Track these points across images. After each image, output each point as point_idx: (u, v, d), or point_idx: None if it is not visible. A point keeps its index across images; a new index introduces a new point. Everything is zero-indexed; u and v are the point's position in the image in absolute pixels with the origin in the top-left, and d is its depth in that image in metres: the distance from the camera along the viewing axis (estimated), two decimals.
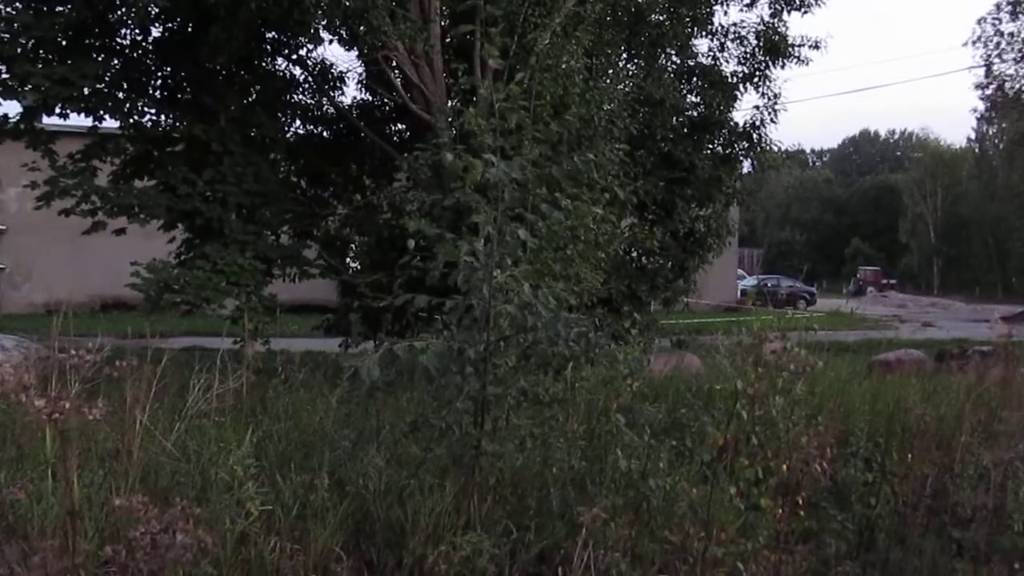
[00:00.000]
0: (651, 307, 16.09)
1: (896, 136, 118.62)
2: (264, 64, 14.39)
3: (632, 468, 4.98)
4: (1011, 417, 6.31)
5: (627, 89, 14.15)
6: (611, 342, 6.25)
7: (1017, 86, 50.27)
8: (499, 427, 5.36)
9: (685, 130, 15.77)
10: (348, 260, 15.24)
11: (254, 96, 14.31)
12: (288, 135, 15.13)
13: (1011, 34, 49.20)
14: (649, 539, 4.80)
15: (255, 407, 6.87)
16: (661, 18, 15.77)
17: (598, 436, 5.60)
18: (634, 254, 15.25)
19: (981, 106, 56.59)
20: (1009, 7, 48.87)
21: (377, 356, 5.00)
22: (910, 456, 6.10)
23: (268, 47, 14.21)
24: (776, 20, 16.21)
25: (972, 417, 6.78)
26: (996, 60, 50.12)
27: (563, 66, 11.71)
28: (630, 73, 15.34)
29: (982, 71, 51.06)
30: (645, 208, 14.73)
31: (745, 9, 16.56)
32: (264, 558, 4.40)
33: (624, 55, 15.66)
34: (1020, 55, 49.44)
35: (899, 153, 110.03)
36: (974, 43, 50.97)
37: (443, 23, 13.12)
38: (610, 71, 14.23)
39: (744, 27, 16.29)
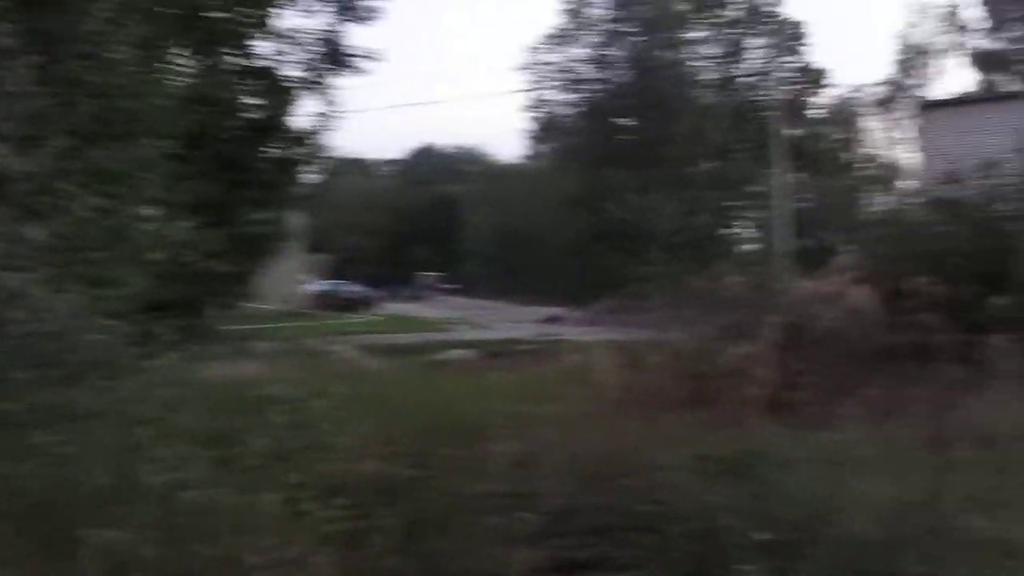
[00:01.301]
0: (211, 312, 15.52)
1: (458, 150, 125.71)
2: None
3: (165, 482, 4.69)
4: (539, 409, 6.81)
5: (182, 85, 13.56)
6: (161, 349, 5.89)
7: (561, 111, 55.66)
8: (15, 447, 4.82)
9: (245, 132, 15.45)
10: None
11: None
12: None
13: (555, 64, 54.40)
14: (183, 555, 4.54)
15: None
16: (221, 15, 15.31)
17: (130, 450, 5.22)
18: (190, 257, 14.61)
19: (531, 126, 61.89)
20: (555, 40, 54.01)
21: None
22: (454, 449, 6.36)
23: None
24: (337, 29, 16.41)
25: (509, 409, 7.24)
26: (544, 86, 55.23)
27: (109, 55, 10.90)
28: (186, 69, 14.72)
29: (533, 94, 56.12)
30: (202, 210, 14.17)
31: (307, 15, 16.60)
32: None
33: (180, 50, 14.98)
34: (563, 83, 54.79)
35: (461, 166, 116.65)
36: (525, 68, 55.76)
37: None
38: (164, 65, 13.53)
39: (306, 33, 16.31)
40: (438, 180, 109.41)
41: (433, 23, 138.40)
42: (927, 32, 59.81)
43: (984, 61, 57.39)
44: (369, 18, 16.73)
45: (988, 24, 57.41)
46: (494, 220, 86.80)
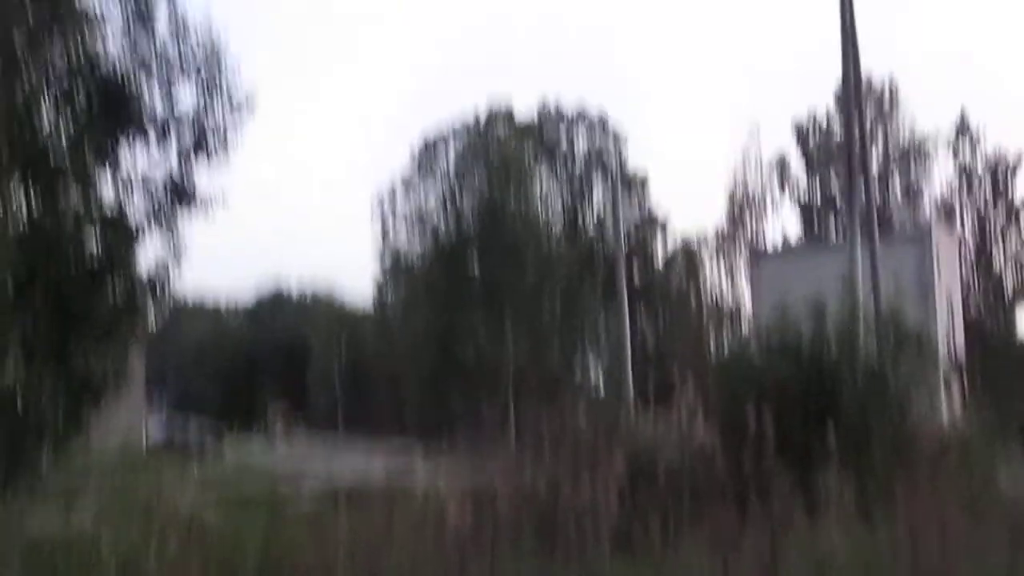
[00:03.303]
0: (41, 457, 14.70)
1: (308, 294, 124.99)
2: None
3: None
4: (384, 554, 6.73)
5: (17, 223, 13.17)
6: None
7: (410, 254, 56.58)
8: None
9: (84, 272, 14.99)
10: None
11: None
12: None
13: (405, 210, 55.73)
14: None
15: None
16: (63, 152, 14.99)
17: None
18: (20, 399, 13.90)
19: (381, 270, 62.63)
20: (402, 186, 55.38)
21: None
22: None
23: None
24: (186, 166, 16.22)
25: (354, 555, 7.10)
26: (394, 231, 56.31)
27: None
28: (22, 207, 14.29)
29: (383, 239, 57.05)
30: (35, 351, 13.61)
31: (153, 153, 16.38)
32: None
33: (17, 187, 14.56)
34: (413, 228, 55.92)
35: (310, 310, 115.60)
36: (376, 213, 56.83)
37: None
38: None
39: (153, 170, 16.09)
40: (288, 323, 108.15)
41: (285, 162, 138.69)
42: (753, 181, 63.82)
43: (809, 209, 61.47)
44: (220, 155, 16.53)
45: (811, 174, 61.76)
46: (345, 363, 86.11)
